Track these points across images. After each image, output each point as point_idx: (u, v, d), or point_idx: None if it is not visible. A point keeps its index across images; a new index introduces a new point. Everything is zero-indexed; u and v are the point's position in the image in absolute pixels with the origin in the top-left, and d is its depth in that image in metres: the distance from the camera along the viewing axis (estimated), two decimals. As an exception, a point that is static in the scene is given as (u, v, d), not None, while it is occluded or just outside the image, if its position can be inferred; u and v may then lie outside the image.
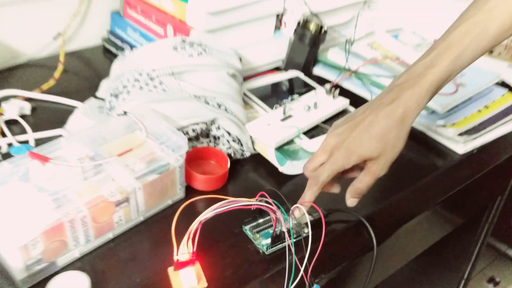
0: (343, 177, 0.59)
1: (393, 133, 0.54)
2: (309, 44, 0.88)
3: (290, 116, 0.73)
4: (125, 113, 0.62)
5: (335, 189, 0.59)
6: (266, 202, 0.55)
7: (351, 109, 0.78)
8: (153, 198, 0.60)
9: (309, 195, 0.57)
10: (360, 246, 0.63)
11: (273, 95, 0.83)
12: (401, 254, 0.78)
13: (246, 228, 0.59)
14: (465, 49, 0.55)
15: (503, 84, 0.89)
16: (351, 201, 0.58)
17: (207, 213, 0.51)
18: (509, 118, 0.79)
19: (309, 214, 0.59)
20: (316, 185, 0.56)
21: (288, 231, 0.55)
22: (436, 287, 1.09)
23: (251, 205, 0.53)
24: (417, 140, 0.78)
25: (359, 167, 0.58)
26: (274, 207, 0.54)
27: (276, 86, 0.85)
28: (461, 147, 0.74)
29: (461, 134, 0.75)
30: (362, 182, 0.57)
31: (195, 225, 0.51)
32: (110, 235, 0.57)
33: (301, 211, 0.56)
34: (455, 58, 0.55)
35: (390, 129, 0.54)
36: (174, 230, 0.52)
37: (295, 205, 0.56)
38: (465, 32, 0.55)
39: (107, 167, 0.56)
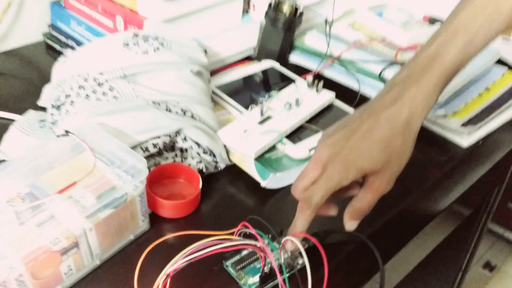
0: (340, 196, 0.49)
1: (398, 140, 0.45)
2: (283, 29, 0.76)
3: (269, 118, 0.62)
4: (67, 133, 0.50)
5: (332, 211, 0.49)
6: (249, 235, 0.45)
7: (338, 103, 0.68)
8: (110, 237, 0.48)
9: (301, 222, 0.46)
10: (364, 271, 0.54)
11: (247, 91, 0.71)
12: (406, 264, 0.69)
13: (228, 265, 0.49)
14: (476, 33, 0.46)
15: (499, 62, 0.80)
16: (350, 223, 0.48)
17: (177, 262, 0.40)
18: (512, 101, 0.70)
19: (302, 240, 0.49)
20: (308, 209, 0.46)
21: (279, 266, 0.45)
22: (434, 279, 1.02)
23: (232, 246, 0.42)
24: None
25: (359, 182, 0.48)
26: (261, 242, 0.44)
27: (249, 79, 0.73)
28: (466, 139, 0.65)
29: (464, 125, 0.65)
30: (363, 201, 0.47)
31: (162, 278, 0.40)
32: (58, 290, 0.46)
33: (293, 244, 0.46)
34: (465, 44, 0.46)
35: (395, 136, 0.45)
36: (136, 280, 0.41)
37: (286, 238, 0.46)
38: (474, 13, 0.46)
39: (48, 206, 0.45)
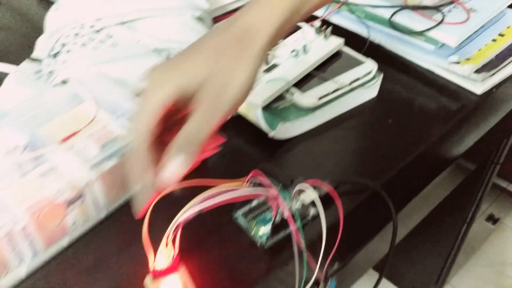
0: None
1: (228, 52, 0.37)
2: (287, -27, 0.72)
3: (275, 66, 0.59)
4: (65, 82, 0.47)
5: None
6: (259, 184, 0.43)
7: (347, 50, 0.65)
8: (115, 189, 0.47)
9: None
10: (376, 221, 0.53)
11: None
12: (416, 215, 0.68)
13: (237, 216, 0.47)
14: None
15: (512, 6, 0.76)
16: (172, 165, 0.36)
17: (188, 211, 0.39)
18: (527, 46, 0.68)
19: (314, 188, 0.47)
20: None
21: (292, 215, 0.44)
22: (439, 231, 1.02)
23: (245, 194, 0.41)
24: (425, 81, 0.66)
25: None
26: (273, 190, 0.42)
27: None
28: (479, 86, 0.63)
29: (477, 71, 0.63)
30: (189, 123, 0.36)
31: (173, 227, 0.39)
32: (64, 242, 0.45)
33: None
34: None
35: (225, 47, 0.37)
36: (147, 232, 0.40)
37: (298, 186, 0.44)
38: None
39: (50, 157, 0.43)
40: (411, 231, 0.72)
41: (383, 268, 0.53)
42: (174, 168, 0.36)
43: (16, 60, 0.64)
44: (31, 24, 0.77)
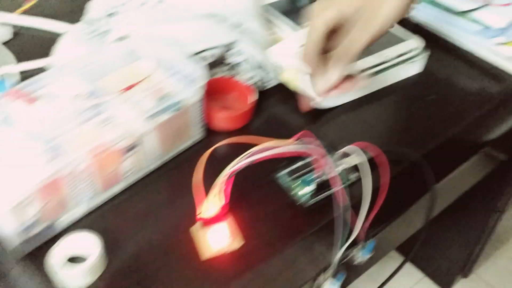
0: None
1: None
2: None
3: (322, 36, 0.61)
4: (124, 37, 0.50)
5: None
6: (309, 143, 0.45)
7: (396, 27, 0.65)
8: (168, 141, 0.49)
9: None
10: (414, 190, 0.54)
11: (296, 11, 0.69)
12: (450, 194, 0.69)
13: (281, 175, 0.49)
14: None
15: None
16: (331, 72, 0.49)
17: (241, 161, 0.41)
18: None
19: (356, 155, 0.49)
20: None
21: (336, 177, 0.46)
22: (468, 219, 1.03)
23: (294, 150, 0.43)
24: (468, 61, 0.67)
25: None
26: (321, 150, 0.44)
27: None
28: (524, 69, 0.63)
29: (523, 54, 0.63)
30: (346, 39, 0.47)
31: (225, 176, 0.41)
32: (119, 188, 0.48)
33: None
34: None
35: None
36: (203, 180, 0.42)
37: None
38: None
39: (109, 107, 0.46)
40: (440, 215, 0.73)
41: (416, 242, 0.54)
42: (333, 75, 0.49)
43: (66, 19, 0.67)
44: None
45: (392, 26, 0.47)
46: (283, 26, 0.65)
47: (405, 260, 0.56)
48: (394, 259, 0.95)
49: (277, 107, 0.59)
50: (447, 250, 1.12)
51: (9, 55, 0.62)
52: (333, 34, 0.48)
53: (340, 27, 0.47)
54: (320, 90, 0.51)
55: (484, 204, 0.98)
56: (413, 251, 0.54)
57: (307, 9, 0.48)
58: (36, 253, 0.42)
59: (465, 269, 1.16)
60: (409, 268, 1.22)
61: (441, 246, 1.12)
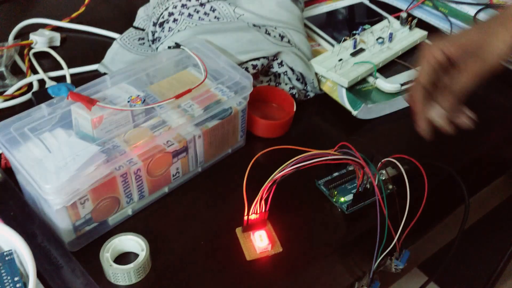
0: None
1: (496, 26, 0.47)
2: (375, -35, 0.75)
3: (362, 50, 0.62)
4: (177, 45, 0.52)
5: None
6: (348, 154, 0.47)
7: (429, 42, 0.67)
8: (213, 147, 0.51)
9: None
10: (449, 203, 0.56)
11: (336, 24, 0.71)
12: (479, 209, 0.70)
13: (320, 183, 0.51)
14: None
15: None
16: (436, 107, 0.49)
17: (285, 169, 0.43)
18: None
19: (392, 167, 0.50)
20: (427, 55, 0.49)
21: (376, 187, 0.47)
22: (492, 237, 1.02)
23: (337, 159, 0.45)
24: (502, 78, 0.67)
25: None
26: (362, 161, 0.45)
27: (337, 14, 0.73)
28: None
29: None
30: (457, 80, 0.48)
31: (269, 183, 0.43)
32: (165, 190, 0.50)
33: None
34: None
35: (494, 23, 0.47)
36: (245, 187, 0.44)
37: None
38: None
39: (161, 111, 0.48)
40: (465, 232, 0.74)
41: (448, 253, 0.55)
42: (436, 110, 0.49)
43: (113, 27, 0.70)
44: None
45: (505, 60, 0.48)
46: (321, 40, 0.67)
47: (429, 278, 0.57)
48: (416, 275, 0.95)
49: (314, 117, 0.61)
50: (468, 267, 1.12)
51: (58, 60, 0.65)
52: (445, 70, 0.49)
53: (453, 62, 0.48)
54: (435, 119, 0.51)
55: (508, 223, 0.97)
56: (440, 269, 0.55)
57: (422, 45, 0.51)
58: (90, 248, 0.45)
59: None
60: (430, 286, 1.22)
61: (462, 263, 1.12)
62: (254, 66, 0.56)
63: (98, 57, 0.65)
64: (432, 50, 0.48)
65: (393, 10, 0.76)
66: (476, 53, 0.47)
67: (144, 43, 0.65)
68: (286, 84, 0.60)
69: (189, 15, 0.59)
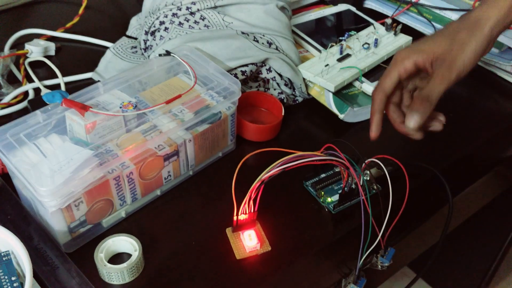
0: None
1: (463, 33, 0.47)
2: (361, -27, 0.77)
3: (348, 56, 0.64)
4: (168, 53, 0.54)
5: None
6: (334, 155, 0.48)
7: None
8: (204, 150, 0.53)
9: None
10: (433, 203, 0.57)
11: (323, 31, 0.74)
12: (466, 209, 0.71)
13: (308, 184, 0.53)
14: None
15: None
16: (412, 117, 0.48)
17: (272, 170, 0.45)
18: None
19: (377, 168, 0.52)
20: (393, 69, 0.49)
21: (361, 187, 0.49)
22: (484, 237, 1.04)
23: (322, 160, 0.46)
24: (486, 82, 0.70)
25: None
26: (346, 162, 0.47)
27: (325, 21, 0.75)
28: (541, 90, 0.65)
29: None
30: (429, 87, 0.48)
31: (257, 183, 0.45)
32: (157, 193, 0.51)
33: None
34: None
35: (461, 29, 0.48)
36: (234, 188, 0.45)
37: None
38: None
39: (152, 116, 0.50)
40: (455, 233, 0.75)
41: (429, 258, 0.57)
42: (411, 122, 0.48)
43: (107, 36, 0.72)
44: (119, 7, 0.85)
45: (471, 69, 0.48)
46: (309, 47, 0.69)
47: (417, 275, 0.59)
48: (408, 275, 0.97)
49: (302, 121, 0.63)
50: (460, 268, 1.13)
51: (53, 68, 0.66)
52: (412, 77, 0.50)
53: (422, 70, 0.49)
54: (411, 129, 0.49)
55: (499, 223, 0.99)
56: (428, 266, 0.56)
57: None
58: (85, 249, 0.46)
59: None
60: (420, 282, 1.23)
61: (454, 263, 1.14)
62: (243, 72, 0.58)
63: (92, 66, 0.67)
64: (404, 61, 0.48)
65: (380, 17, 0.79)
66: (446, 61, 0.47)
67: (136, 52, 0.67)
68: (275, 89, 0.62)
69: (180, 23, 0.61)
